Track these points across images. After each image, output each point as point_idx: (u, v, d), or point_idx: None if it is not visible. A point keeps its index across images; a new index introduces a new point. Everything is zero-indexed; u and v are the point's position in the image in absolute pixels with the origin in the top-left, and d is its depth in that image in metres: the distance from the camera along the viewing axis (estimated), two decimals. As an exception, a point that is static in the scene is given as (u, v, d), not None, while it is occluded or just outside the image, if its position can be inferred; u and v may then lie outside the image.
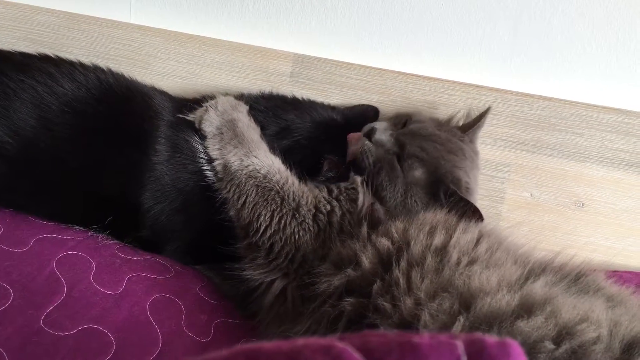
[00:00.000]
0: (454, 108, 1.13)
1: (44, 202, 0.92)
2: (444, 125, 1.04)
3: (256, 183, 0.89)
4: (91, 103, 0.93)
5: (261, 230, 0.87)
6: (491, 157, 1.16)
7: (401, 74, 1.16)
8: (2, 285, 0.76)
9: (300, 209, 0.88)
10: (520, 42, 1.15)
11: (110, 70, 1.00)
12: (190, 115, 0.97)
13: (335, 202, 0.90)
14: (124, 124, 0.95)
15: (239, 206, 0.89)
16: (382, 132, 0.98)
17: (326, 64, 1.16)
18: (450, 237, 0.77)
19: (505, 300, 0.64)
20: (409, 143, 0.95)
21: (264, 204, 0.88)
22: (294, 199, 0.88)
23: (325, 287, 0.77)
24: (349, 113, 1.09)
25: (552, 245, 1.06)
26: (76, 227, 0.91)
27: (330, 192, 0.92)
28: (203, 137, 0.95)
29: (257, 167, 0.91)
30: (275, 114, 1.03)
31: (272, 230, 0.86)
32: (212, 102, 0.98)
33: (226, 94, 1.03)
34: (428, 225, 0.80)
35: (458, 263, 0.72)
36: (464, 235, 0.78)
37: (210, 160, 0.94)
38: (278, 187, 0.89)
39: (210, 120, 0.95)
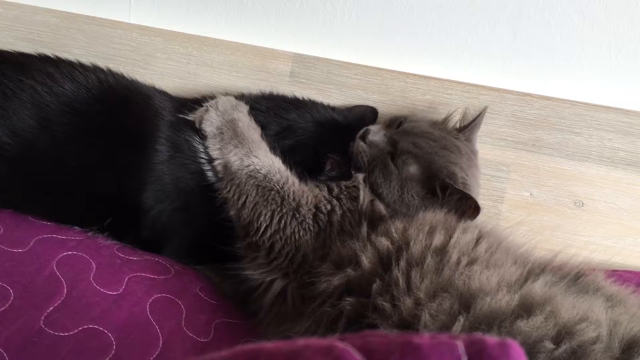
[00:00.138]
0: (453, 108, 1.13)
1: (44, 203, 0.92)
2: (440, 125, 1.04)
3: (256, 183, 0.89)
4: (91, 103, 0.93)
5: (261, 230, 0.87)
6: (491, 157, 1.16)
7: (401, 74, 1.16)
8: (2, 285, 0.77)
9: (301, 209, 0.88)
10: (520, 41, 1.15)
11: (110, 70, 1.00)
12: (191, 115, 0.97)
13: (335, 202, 0.90)
14: (124, 124, 0.95)
15: (239, 206, 0.89)
16: (376, 133, 0.98)
17: (326, 63, 1.16)
18: (450, 237, 0.77)
19: (505, 300, 0.64)
20: (401, 140, 0.96)
21: (264, 203, 0.88)
22: (294, 199, 0.88)
23: (325, 287, 0.77)
24: (348, 113, 1.09)
25: (551, 244, 1.06)
26: (76, 227, 0.91)
27: (330, 191, 0.92)
28: (203, 137, 0.95)
29: (258, 167, 0.91)
30: (276, 113, 1.03)
31: (273, 230, 0.87)
32: (213, 102, 0.98)
33: (226, 94, 1.03)
34: (428, 225, 0.80)
35: (458, 263, 0.72)
36: (464, 235, 0.78)
37: (211, 160, 0.94)
38: (278, 187, 0.89)
39: (210, 120, 0.95)
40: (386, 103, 1.16)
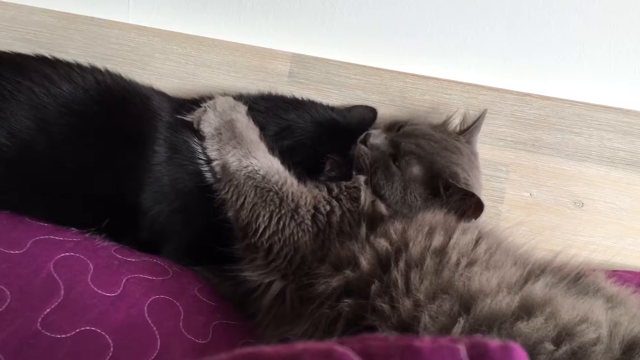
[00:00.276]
0: (452, 108, 1.13)
1: (42, 204, 0.92)
2: (439, 127, 1.04)
3: (255, 184, 0.89)
4: (89, 104, 0.93)
5: (260, 231, 0.86)
6: (490, 157, 1.15)
7: (400, 74, 1.16)
8: (-1, 287, 0.76)
9: (299, 210, 0.87)
10: (519, 41, 1.15)
11: (107, 71, 0.99)
12: (189, 116, 0.97)
13: (335, 202, 0.89)
14: (122, 125, 0.95)
15: (237, 207, 0.89)
16: (377, 136, 0.98)
17: (325, 63, 1.15)
18: (450, 238, 0.77)
19: (506, 301, 0.64)
20: (403, 142, 0.96)
21: (263, 204, 0.88)
22: (292, 200, 0.88)
23: (324, 289, 0.77)
24: (347, 114, 1.08)
25: (551, 245, 1.06)
26: (73, 229, 0.90)
27: (330, 191, 0.92)
28: (202, 138, 0.95)
29: (256, 168, 0.90)
30: (275, 114, 1.02)
31: (271, 231, 0.86)
32: (211, 102, 0.98)
33: (224, 95, 1.03)
34: (427, 226, 0.79)
35: (457, 264, 0.71)
36: (463, 236, 0.77)
37: (209, 161, 0.94)
38: (277, 188, 0.89)
39: (208, 121, 0.95)
40: (385, 103, 1.15)
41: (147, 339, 0.78)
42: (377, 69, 1.16)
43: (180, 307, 0.85)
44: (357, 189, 0.91)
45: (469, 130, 1.04)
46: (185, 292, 0.88)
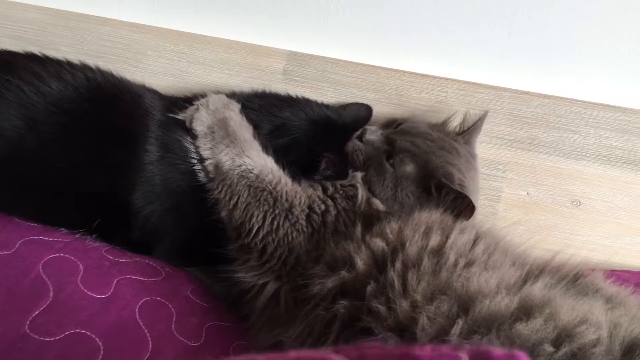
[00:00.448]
0: (449, 106, 1.12)
1: (31, 204, 0.90)
2: (438, 127, 1.04)
3: (248, 183, 0.88)
4: (79, 102, 0.91)
5: (253, 232, 0.85)
6: (487, 156, 1.14)
7: (396, 72, 1.14)
8: (-14, 289, 0.74)
9: (294, 210, 0.86)
10: (517, 39, 1.14)
11: (98, 69, 0.98)
12: (181, 114, 0.95)
13: (330, 201, 0.88)
14: (113, 124, 0.93)
15: (230, 207, 0.88)
16: (373, 132, 0.98)
17: (320, 61, 1.14)
18: (447, 238, 0.76)
19: (505, 302, 0.63)
20: (398, 139, 0.95)
21: (257, 204, 0.86)
22: (286, 200, 0.87)
23: (319, 290, 0.76)
24: (342, 111, 1.07)
25: (549, 244, 1.05)
26: (63, 229, 0.89)
27: (325, 190, 0.91)
28: (194, 137, 0.94)
29: (250, 167, 0.89)
30: (269, 112, 1.01)
31: (265, 231, 0.85)
32: (203, 100, 0.97)
33: (218, 92, 1.01)
34: (423, 225, 0.78)
35: (455, 265, 0.71)
36: (461, 236, 0.76)
37: (202, 160, 0.92)
38: (271, 188, 0.87)
39: (201, 119, 0.94)
40: (381, 101, 1.14)
41: (138, 342, 0.76)
42: (373, 66, 1.14)
43: (173, 309, 0.84)
44: (354, 186, 0.90)
45: (468, 131, 1.03)
46: (177, 294, 0.87)
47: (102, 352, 0.73)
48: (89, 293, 0.79)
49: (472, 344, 0.54)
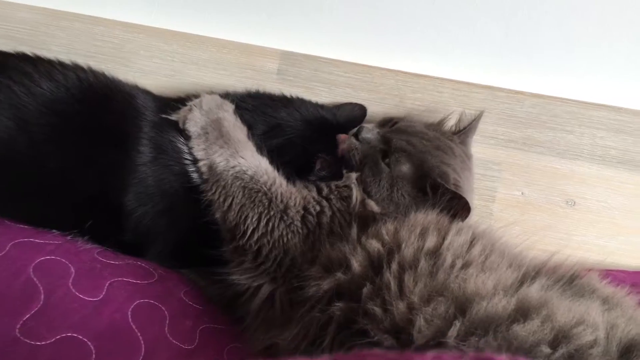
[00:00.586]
0: (444, 105, 1.11)
1: (21, 206, 0.89)
2: (434, 126, 1.03)
3: (243, 184, 0.87)
4: (70, 103, 0.90)
5: (248, 233, 0.84)
6: (482, 156, 1.14)
7: (391, 72, 1.14)
8: (-25, 292, 0.73)
9: (289, 211, 0.85)
10: (512, 39, 1.13)
11: (90, 69, 0.96)
12: (174, 115, 0.95)
13: (325, 202, 0.88)
14: (105, 125, 0.92)
15: (225, 208, 0.87)
16: (370, 130, 0.98)
17: (314, 61, 1.14)
18: (444, 239, 0.75)
19: (502, 304, 0.62)
20: (395, 138, 0.95)
21: (251, 206, 0.86)
22: (281, 201, 0.86)
23: (314, 292, 0.75)
24: (337, 111, 1.07)
25: (544, 244, 1.05)
26: (55, 231, 0.88)
27: (320, 191, 0.90)
28: (188, 138, 0.93)
29: (244, 168, 0.88)
30: (263, 112, 1.00)
31: (260, 233, 0.84)
32: (197, 101, 0.96)
33: (211, 93, 1.01)
34: (419, 226, 0.78)
35: (452, 266, 0.70)
36: (458, 237, 0.76)
37: (195, 161, 0.91)
38: (265, 189, 0.87)
39: (194, 120, 0.93)
40: (376, 101, 1.14)
41: (131, 345, 0.75)
42: (368, 66, 1.14)
43: (166, 312, 0.83)
44: (348, 187, 0.90)
45: (464, 131, 1.03)
46: (171, 296, 0.86)
47: (94, 356, 0.72)
48: (81, 296, 0.78)
49: (475, 351, 0.53)
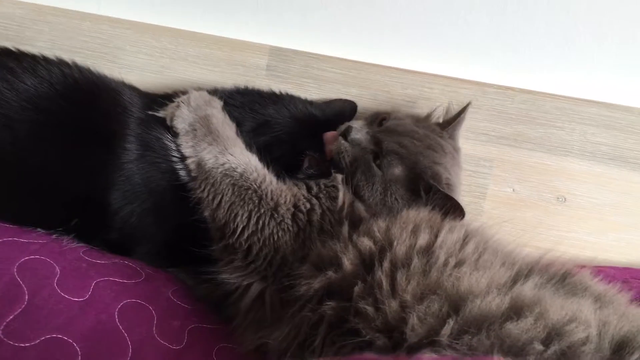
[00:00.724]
0: (434, 101, 1.11)
1: (6, 204, 0.87)
2: (423, 121, 1.02)
3: (232, 182, 0.86)
4: (55, 99, 0.89)
5: (238, 232, 0.83)
6: (473, 152, 1.14)
7: (381, 68, 1.13)
8: (-43, 293, 0.72)
9: (279, 209, 0.84)
10: (502, 35, 1.13)
11: (75, 64, 0.95)
12: (161, 111, 0.94)
13: (315, 200, 0.87)
14: (90, 122, 0.91)
15: (214, 206, 0.86)
16: (359, 130, 0.96)
17: (304, 57, 1.13)
18: (436, 236, 0.75)
19: (496, 302, 0.62)
20: (386, 140, 0.93)
21: (241, 203, 0.84)
22: (272, 198, 0.85)
23: (305, 290, 0.75)
24: (326, 108, 1.06)
25: (535, 241, 1.05)
26: (39, 229, 0.86)
27: (309, 189, 0.89)
28: (175, 135, 0.92)
29: (233, 165, 0.87)
30: (252, 109, 0.99)
31: (250, 231, 0.83)
32: (184, 97, 0.95)
33: (199, 89, 0.99)
34: (411, 224, 0.77)
35: (446, 264, 0.70)
36: (450, 235, 0.76)
37: (183, 159, 0.90)
38: (255, 186, 0.86)
39: (182, 117, 0.92)
40: (366, 97, 1.13)
41: (118, 346, 0.74)
42: (358, 62, 1.13)
43: (154, 311, 0.81)
44: (335, 188, 0.89)
45: (452, 124, 1.02)
46: (158, 296, 0.85)
47: (80, 357, 0.70)
48: (66, 296, 0.76)
49: (477, 355, 0.53)
